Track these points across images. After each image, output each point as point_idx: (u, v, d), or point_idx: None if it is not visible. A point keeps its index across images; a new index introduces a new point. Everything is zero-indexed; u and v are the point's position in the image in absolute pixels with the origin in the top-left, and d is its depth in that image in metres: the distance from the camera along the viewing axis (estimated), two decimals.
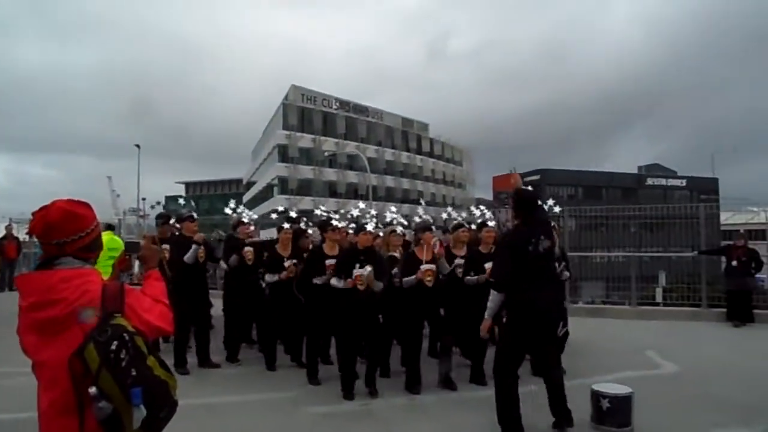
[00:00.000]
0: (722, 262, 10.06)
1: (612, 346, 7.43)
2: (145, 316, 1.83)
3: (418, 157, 61.04)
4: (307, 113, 53.25)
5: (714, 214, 13.71)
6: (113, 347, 1.60)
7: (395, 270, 5.59)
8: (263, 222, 8.47)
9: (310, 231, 7.02)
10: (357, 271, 5.24)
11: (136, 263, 6.79)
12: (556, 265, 5.22)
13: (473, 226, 6.46)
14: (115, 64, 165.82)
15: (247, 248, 6.76)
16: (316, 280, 5.74)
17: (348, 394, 5.24)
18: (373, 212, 6.21)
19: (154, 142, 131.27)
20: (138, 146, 43.12)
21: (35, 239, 1.89)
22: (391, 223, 6.19)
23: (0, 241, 14.33)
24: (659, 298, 11.80)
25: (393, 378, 5.75)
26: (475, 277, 5.67)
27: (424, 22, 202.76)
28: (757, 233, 12.81)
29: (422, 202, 7.23)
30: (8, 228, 14.97)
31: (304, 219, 7.16)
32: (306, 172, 51.99)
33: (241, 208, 7.57)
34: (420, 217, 6.30)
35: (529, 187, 4.86)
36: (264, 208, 44.02)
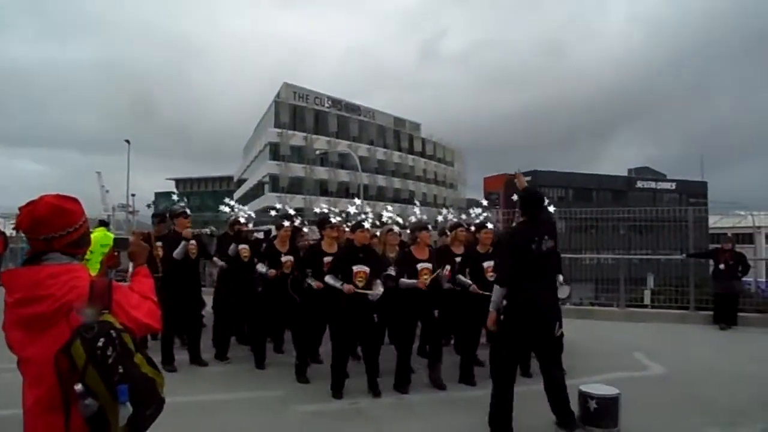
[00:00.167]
0: (710, 266, 10.14)
1: (600, 347, 7.47)
2: (133, 313, 1.81)
3: (410, 156, 61.05)
4: (299, 111, 53.10)
5: (702, 217, 13.83)
6: (100, 344, 1.58)
7: (391, 269, 5.59)
8: (256, 220, 8.41)
9: (305, 229, 7.02)
10: (357, 268, 5.26)
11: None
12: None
13: (472, 228, 6.49)
14: (108, 60, 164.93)
15: (242, 246, 6.81)
16: (310, 281, 5.71)
17: (337, 393, 5.24)
18: (368, 210, 6.22)
19: (144, 138, 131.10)
20: (128, 142, 42.84)
21: (22, 234, 1.86)
22: (386, 223, 6.21)
23: None
24: (647, 300, 11.86)
25: (382, 377, 5.75)
26: (469, 282, 5.69)
27: (417, 22, 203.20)
28: (744, 237, 12.96)
29: (417, 202, 7.25)
30: None
31: (300, 217, 7.13)
32: (297, 170, 51.85)
33: (237, 207, 7.56)
34: (416, 216, 6.32)
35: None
36: (255, 205, 43.80)
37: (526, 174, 50.16)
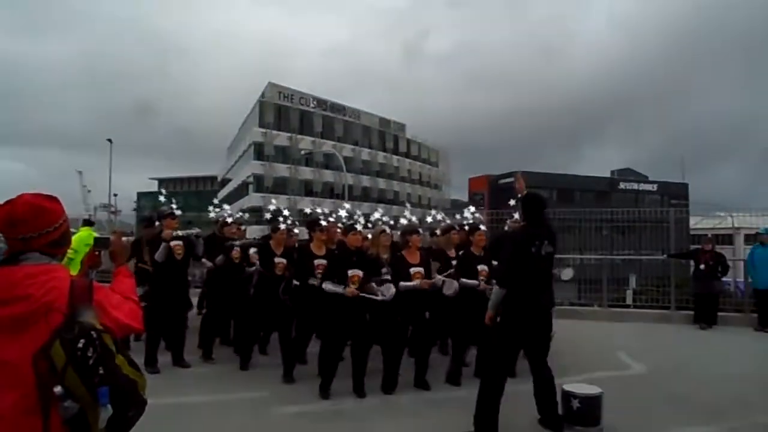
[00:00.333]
0: (691, 266, 10.27)
1: (583, 347, 7.53)
2: (113, 314, 1.79)
3: (395, 157, 61.09)
4: (283, 111, 52.88)
5: (683, 218, 14.02)
6: (80, 345, 1.55)
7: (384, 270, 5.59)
8: (242, 219, 8.40)
9: (296, 230, 7.01)
10: (352, 272, 5.26)
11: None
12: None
13: (466, 228, 6.52)
14: (89, 57, 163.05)
15: (235, 249, 6.84)
16: (312, 281, 5.69)
17: (325, 393, 5.23)
18: (359, 212, 6.22)
19: (127, 137, 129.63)
20: (110, 141, 42.40)
21: (0, 234, 1.83)
22: (378, 223, 6.21)
23: None
24: (630, 300, 11.99)
25: (367, 377, 5.75)
26: (475, 282, 5.70)
27: (403, 22, 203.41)
28: (724, 238, 13.14)
29: (408, 204, 7.26)
30: None
31: (291, 218, 7.10)
32: (282, 170, 51.63)
33: (225, 207, 7.54)
34: (406, 219, 6.32)
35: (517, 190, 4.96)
36: (239, 206, 43.57)
37: (509, 175, 50.51)
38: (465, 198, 54.89)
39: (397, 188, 58.97)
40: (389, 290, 5.31)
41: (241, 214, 7.98)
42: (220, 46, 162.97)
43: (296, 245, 6.51)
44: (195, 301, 7.38)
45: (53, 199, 1.86)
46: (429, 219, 6.74)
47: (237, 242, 7.05)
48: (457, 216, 6.97)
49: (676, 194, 49.94)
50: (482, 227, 6.16)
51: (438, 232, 6.74)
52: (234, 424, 4.63)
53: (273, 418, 4.77)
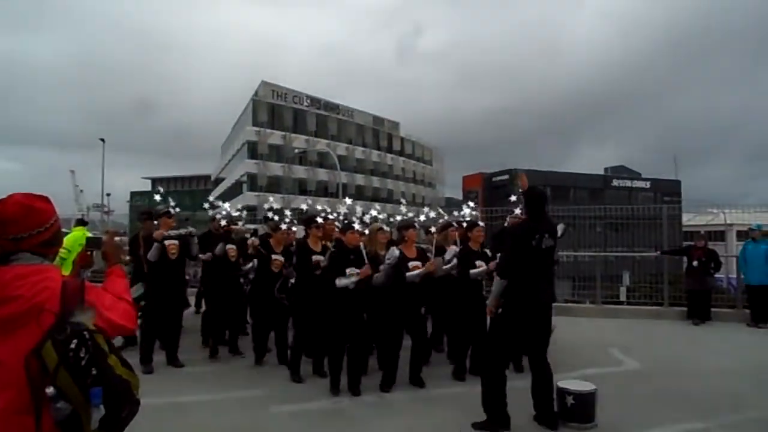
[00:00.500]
0: (683, 262, 10.32)
1: (577, 343, 7.55)
2: (106, 314, 1.78)
3: (389, 155, 61.10)
4: (277, 110, 52.78)
5: (676, 215, 14.07)
6: (73, 346, 1.55)
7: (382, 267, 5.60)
8: (242, 218, 8.39)
9: (294, 228, 7.02)
10: (350, 270, 5.27)
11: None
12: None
13: (464, 224, 6.54)
14: (81, 56, 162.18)
15: (229, 246, 6.82)
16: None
17: (336, 390, 5.25)
18: (359, 209, 6.24)
19: (119, 137, 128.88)
20: (103, 140, 42.21)
21: None
22: (376, 220, 6.23)
23: None
24: (623, 297, 12.04)
25: (365, 376, 5.76)
26: (483, 269, 5.78)
27: (397, 20, 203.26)
28: (716, 234, 13.18)
29: (404, 201, 7.27)
30: None
31: (289, 217, 7.09)
32: (276, 169, 51.54)
33: (226, 205, 7.53)
34: (403, 215, 6.35)
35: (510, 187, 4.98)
36: (233, 204, 43.40)
37: (503, 173, 50.63)
38: (459, 196, 55.03)
39: (391, 186, 58.99)
40: (393, 253, 5.38)
41: (238, 213, 7.92)
42: (213, 44, 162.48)
43: (293, 242, 6.52)
44: (192, 300, 7.36)
45: (44, 199, 1.84)
46: (422, 217, 6.73)
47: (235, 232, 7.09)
48: (455, 213, 6.97)
49: (668, 191, 50.17)
50: (481, 223, 6.21)
51: (433, 230, 6.74)
52: (230, 423, 4.62)
53: (270, 416, 4.76)
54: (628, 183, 55.99)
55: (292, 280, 6.24)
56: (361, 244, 5.47)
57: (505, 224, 6.60)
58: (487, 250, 6.00)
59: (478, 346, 5.77)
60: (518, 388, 4.48)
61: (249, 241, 6.67)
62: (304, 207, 7.10)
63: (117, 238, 2.23)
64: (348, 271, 5.25)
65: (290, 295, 6.14)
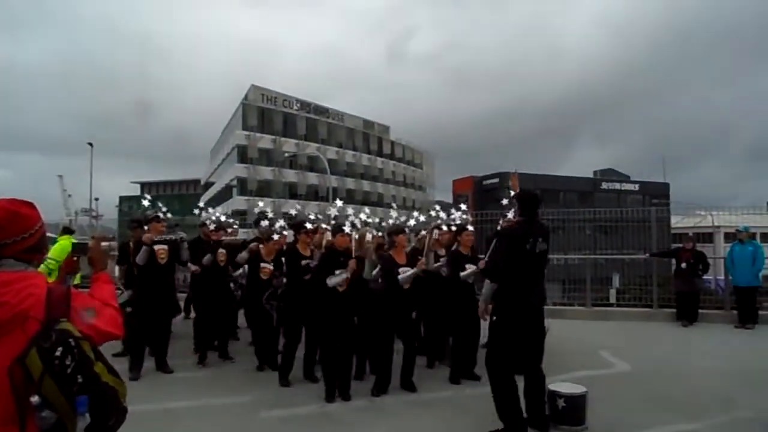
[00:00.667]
0: (672, 265, 10.39)
1: (567, 346, 7.57)
2: (92, 321, 1.76)
3: (379, 159, 61.12)
4: (267, 114, 52.66)
5: (665, 217, 14.14)
6: (58, 353, 1.52)
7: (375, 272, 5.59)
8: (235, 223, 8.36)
9: (285, 233, 6.99)
10: (340, 272, 5.26)
11: (116, 267, 6.67)
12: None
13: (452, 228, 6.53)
14: (69, 60, 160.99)
15: (220, 250, 6.79)
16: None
17: (331, 397, 5.21)
18: (350, 212, 6.23)
19: (108, 141, 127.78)
20: (91, 144, 41.85)
21: None
22: (366, 224, 6.22)
23: None
24: (613, 299, 12.08)
25: (360, 381, 5.75)
26: (473, 269, 5.75)
27: (387, 23, 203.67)
28: (704, 236, 13.30)
29: (394, 205, 7.25)
30: None
31: (279, 222, 7.06)
32: (266, 173, 51.39)
33: (216, 211, 7.50)
34: (394, 219, 6.34)
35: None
36: (223, 209, 43.27)
37: (494, 176, 50.73)
38: (449, 200, 55.00)
39: (381, 190, 58.98)
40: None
41: (225, 217, 7.88)
42: (202, 48, 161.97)
43: (284, 247, 6.50)
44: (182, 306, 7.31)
45: (29, 205, 1.82)
46: (411, 221, 6.72)
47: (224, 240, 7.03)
48: (443, 216, 6.95)
49: (657, 194, 50.47)
50: (470, 227, 6.20)
51: (424, 233, 6.72)
52: (221, 429, 4.59)
53: (259, 422, 4.73)
54: (617, 186, 56.32)
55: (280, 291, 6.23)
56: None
57: (498, 228, 6.59)
58: (481, 256, 5.98)
59: (461, 350, 5.81)
60: None
61: (218, 255, 6.71)
62: (293, 212, 7.04)
63: (105, 244, 2.20)
64: (337, 272, 5.25)
65: (280, 301, 6.11)
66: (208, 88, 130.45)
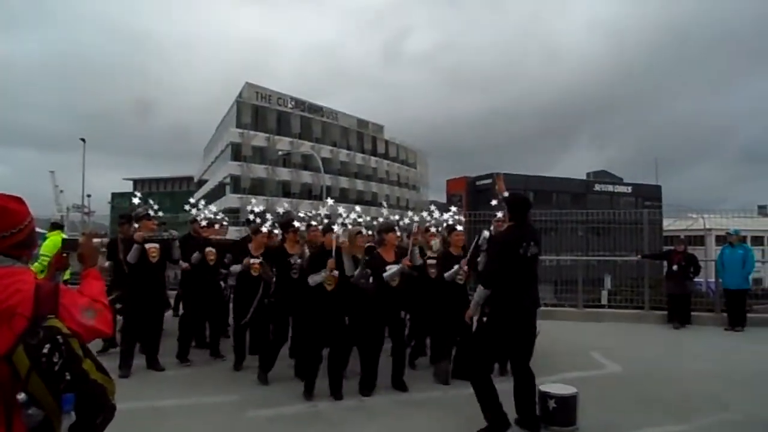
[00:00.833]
0: (664, 267, 10.44)
1: (559, 347, 7.59)
2: (92, 322, 1.74)
3: (373, 158, 61.08)
4: (261, 111, 52.50)
5: (657, 220, 14.24)
6: (45, 350, 1.51)
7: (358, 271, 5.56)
8: (223, 220, 8.30)
9: (276, 231, 6.98)
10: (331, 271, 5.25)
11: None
12: None
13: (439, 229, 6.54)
14: (62, 55, 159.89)
15: (208, 248, 6.72)
16: (311, 279, 5.56)
17: (309, 395, 5.20)
18: (341, 210, 6.21)
19: (100, 137, 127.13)
20: (83, 140, 41.62)
21: None
22: (356, 223, 6.19)
23: None
24: (604, 301, 12.12)
25: (348, 379, 5.72)
26: (453, 271, 5.72)
27: (382, 22, 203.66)
28: (696, 239, 13.35)
29: (385, 203, 7.23)
30: None
31: (271, 220, 7.03)
32: (259, 171, 51.24)
33: (208, 206, 7.45)
34: (383, 218, 6.32)
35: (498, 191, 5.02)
36: (215, 207, 43.10)
37: (487, 176, 50.80)
38: (443, 200, 55.03)
39: (375, 190, 58.94)
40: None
41: (216, 215, 7.82)
42: (197, 45, 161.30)
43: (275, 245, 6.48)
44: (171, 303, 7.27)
45: (18, 200, 1.80)
46: (405, 220, 6.72)
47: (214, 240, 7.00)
48: (436, 215, 6.95)
49: (649, 196, 50.62)
50: (459, 227, 6.19)
51: (433, 229, 6.72)
52: (209, 428, 4.57)
53: (248, 421, 4.71)
54: (610, 188, 56.52)
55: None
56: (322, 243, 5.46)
57: (491, 228, 6.58)
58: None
59: (462, 349, 5.78)
60: (500, 391, 4.49)
61: (207, 254, 6.67)
62: (280, 210, 7.00)
63: (97, 240, 2.19)
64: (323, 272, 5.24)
65: (270, 298, 6.08)
66: (203, 85, 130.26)
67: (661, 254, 10.79)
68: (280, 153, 47.40)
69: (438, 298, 5.89)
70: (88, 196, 45.83)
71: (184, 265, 6.69)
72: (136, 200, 6.63)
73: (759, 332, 8.99)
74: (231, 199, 45.85)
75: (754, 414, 4.94)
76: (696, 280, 10.31)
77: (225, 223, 7.84)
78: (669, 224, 16.86)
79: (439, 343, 6.01)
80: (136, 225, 6.23)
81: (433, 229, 6.33)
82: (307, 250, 5.88)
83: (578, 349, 7.54)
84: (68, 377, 1.53)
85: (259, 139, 51.26)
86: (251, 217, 6.75)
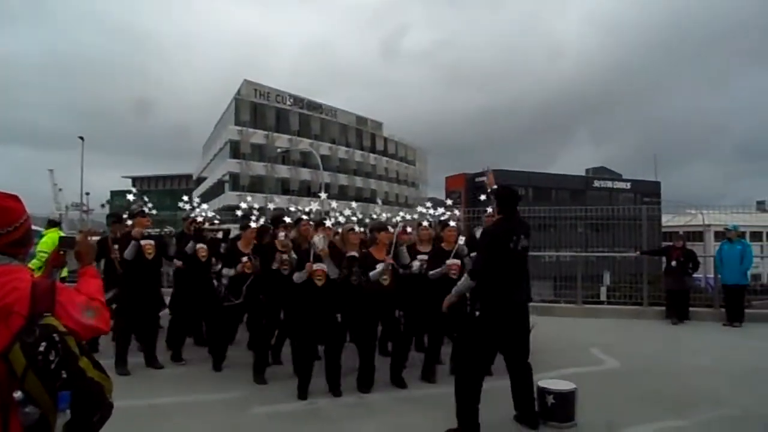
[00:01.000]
0: (663, 263, 10.45)
1: (558, 343, 7.60)
2: (91, 321, 1.74)
3: (372, 155, 61.08)
4: (260, 109, 52.48)
5: (655, 216, 14.23)
6: (41, 348, 1.51)
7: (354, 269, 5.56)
8: (219, 219, 8.27)
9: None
10: (316, 266, 5.22)
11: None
12: None
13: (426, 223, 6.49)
14: (60, 53, 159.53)
15: (200, 245, 6.69)
16: (295, 276, 5.59)
17: (303, 394, 5.18)
18: (334, 205, 6.19)
19: (99, 135, 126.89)
20: (82, 138, 41.54)
21: None
22: (349, 220, 6.18)
23: None
24: (604, 297, 12.15)
25: (344, 376, 5.72)
26: (438, 270, 5.66)
27: (381, 19, 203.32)
28: (694, 235, 13.38)
29: (379, 201, 7.21)
30: None
31: (262, 217, 7.00)
32: (258, 168, 51.24)
33: (201, 203, 7.42)
34: (376, 215, 6.29)
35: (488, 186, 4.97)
36: (215, 204, 43.13)
37: (485, 173, 50.83)
38: (442, 196, 55.12)
39: (374, 187, 58.97)
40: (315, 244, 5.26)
41: (213, 214, 7.79)
42: (195, 43, 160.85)
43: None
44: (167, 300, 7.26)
45: (14, 198, 1.80)
46: (398, 217, 6.69)
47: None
48: (431, 211, 6.92)
49: (648, 192, 50.69)
50: (452, 223, 6.16)
51: (409, 229, 6.69)
52: (209, 426, 4.57)
53: (248, 418, 4.71)
54: (609, 184, 56.59)
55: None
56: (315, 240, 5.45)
57: (483, 224, 6.57)
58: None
59: (457, 347, 5.77)
60: (498, 387, 4.50)
61: (199, 251, 6.62)
62: (271, 206, 6.98)
63: (96, 238, 2.19)
64: (315, 266, 5.22)
65: (261, 294, 6.05)
66: (202, 83, 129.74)
67: (659, 250, 10.80)
68: (278, 150, 47.39)
69: (431, 295, 5.82)
70: (87, 194, 45.86)
71: (179, 263, 6.69)
72: (130, 197, 6.61)
73: (757, 328, 9.01)
74: (230, 197, 45.83)
75: (752, 409, 4.94)
76: (695, 275, 10.32)
77: (216, 221, 7.78)
78: (668, 220, 16.87)
79: (434, 341, 5.97)
80: (129, 222, 6.21)
81: (425, 223, 6.30)
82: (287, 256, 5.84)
83: (577, 345, 7.55)
84: (64, 375, 1.53)
85: (257, 136, 51.26)
86: (239, 213, 6.70)
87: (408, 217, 6.85)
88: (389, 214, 6.49)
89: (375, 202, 6.80)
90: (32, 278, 1.72)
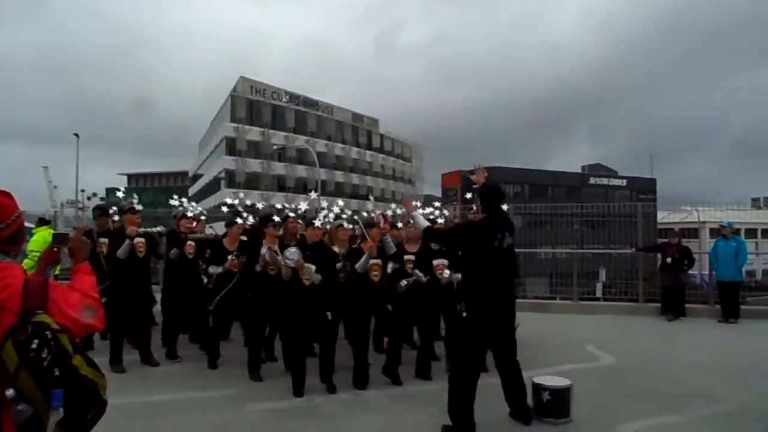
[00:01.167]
0: (658, 259, 10.48)
1: (553, 339, 7.62)
2: (71, 313, 1.73)
3: (368, 152, 61.03)
4: (256, 106, 52.35)
5: (651, 213, 14.30)
6: (34, 346, 1.50)
7: (340, 265, 5.53)
8: (210, 216, 8.22)
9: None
10: (291, 258, 5.13)
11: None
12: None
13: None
14: (54, 49, 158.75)
15: (188, 242, 6.63)
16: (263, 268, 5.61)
17: (298, 391, 5.17)
18: (324, 204, 6.18)
19: (94, 132, 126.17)
20: (77, 135, 41.36)
21: None
22: (339, 217, 6.15)
23: None
24: (599, 293, 12.19)
25: (338, 374, 5.72)
26: (404, 282, 5.55)
27: (376, 15, 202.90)
28: (690, 232, 13.41)
29: (371, 197, 7.20)
30: None
31: (246, 214, 6.97)
32: (254, 165, 51.14)
33: (185, 201, 7.36)
34: (369, 212, 6.28)
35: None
36: (210, 201, 43.09)
37: (475, 170, 50.80)
38: (439, 193, 55.08)
39: (370, 184, 58.93)
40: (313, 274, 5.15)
41: (201, 210, 7.70)
42: (190, 39, 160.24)
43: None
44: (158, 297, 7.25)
45: (6, 195, 1.79)
46: (389, 212, 6.68)
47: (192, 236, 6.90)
48: (421, 210, 6.91)
49: (644, 189, 50.79)
50: (440, 221, 6.14)
51: (400, 225, 6.67)
52: (205, 422, 4.55)
53: (244, 415, 4.70)
54: (605, 181, 56.68)
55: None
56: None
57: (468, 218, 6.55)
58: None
59: (449, 343, 5.77)
60: (492, 384, 4.49)
61: (186, 248, 6.57)
62: (260, 205, 6.95)
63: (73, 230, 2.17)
64: (287, 253, 5.18)
65: (249, 292, 6.04)
66: (198, 80, 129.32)
67: (655, 247, 10.84)
68: (275, 147, 47.32)
69: (419, 292, 5.80)
70: (82, 191, 45.61)
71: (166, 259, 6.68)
72: (120, 194, 6.57)
73: (752, 324, 9.05)
74: (226, 194, 45.74)
75: (747, 406, 4.96)
76: (690, 272, 10.37)
77: (203, 218, 7.72)
78: (663, 217, 16.96)
79: (426, 338, 5.95)
80: (117, 218, 6.16)
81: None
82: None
83: (573, 342, 7.57)
84: (57, 373, 1.52)
85: (253, 133, 51.15)
86: (225, 209, 6.65)
87: (399, 212, 6.84)
88: (378, 211, 6.47)
89: (368, 199, 6.78)
90: (24, 275, 1.71)
